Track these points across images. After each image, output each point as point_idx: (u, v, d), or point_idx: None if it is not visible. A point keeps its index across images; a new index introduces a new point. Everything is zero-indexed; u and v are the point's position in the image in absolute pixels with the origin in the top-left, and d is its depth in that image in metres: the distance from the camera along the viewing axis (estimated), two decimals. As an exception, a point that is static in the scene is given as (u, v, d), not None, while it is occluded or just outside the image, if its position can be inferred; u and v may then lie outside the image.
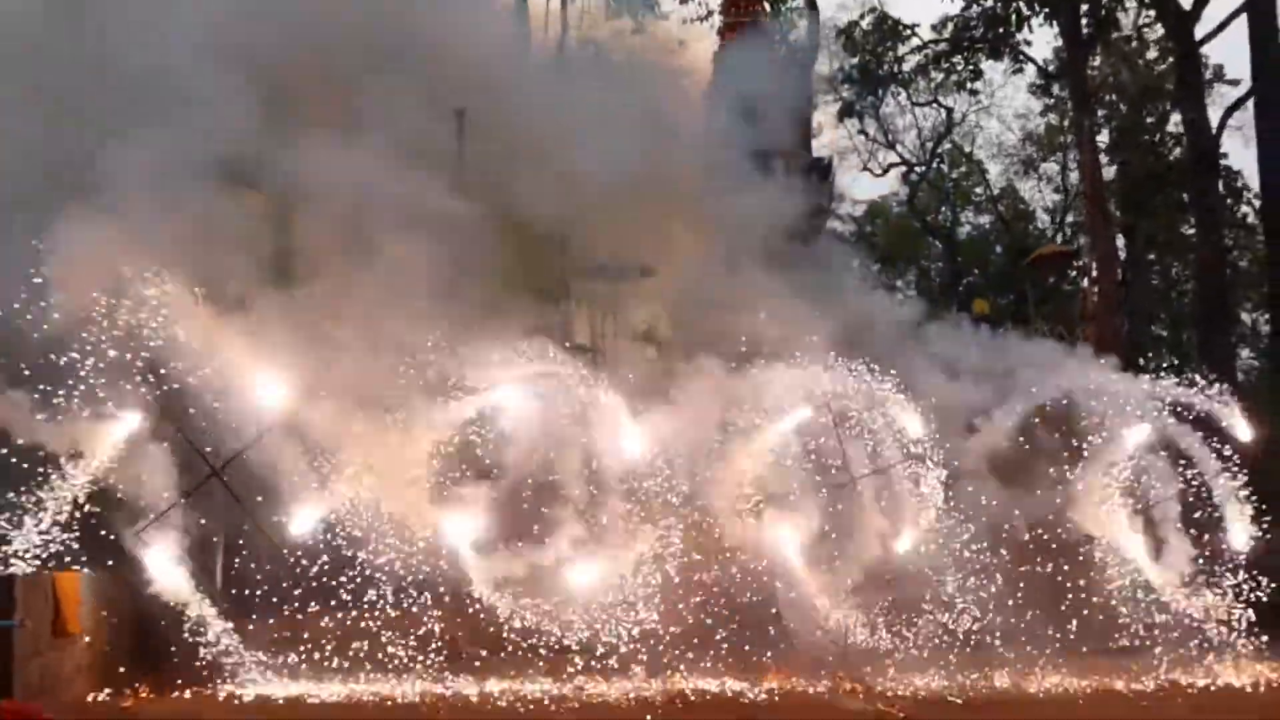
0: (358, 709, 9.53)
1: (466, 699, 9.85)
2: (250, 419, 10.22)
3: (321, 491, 10.42)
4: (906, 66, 31.50)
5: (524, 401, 11.00)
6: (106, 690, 9.69)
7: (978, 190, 37.58)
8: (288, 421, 10.38)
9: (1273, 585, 11.63)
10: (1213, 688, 10.49)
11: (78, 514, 9.65)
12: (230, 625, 10.24)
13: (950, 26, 29.61)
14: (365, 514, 10.42)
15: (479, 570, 10.61)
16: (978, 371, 12.81)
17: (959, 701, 9.81)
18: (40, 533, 9.41)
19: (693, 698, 9.83)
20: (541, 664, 10.49)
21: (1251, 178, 29.71)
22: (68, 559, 9.60)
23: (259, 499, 10.40)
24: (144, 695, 9.90)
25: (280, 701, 9.77)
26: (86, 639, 9.56)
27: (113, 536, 9.97)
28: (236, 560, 10.84)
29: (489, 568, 10.63)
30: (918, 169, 35.92)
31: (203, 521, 10.44)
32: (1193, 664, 11.10)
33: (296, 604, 10.61)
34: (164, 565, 10.14)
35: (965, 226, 38.26)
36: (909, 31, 30.39)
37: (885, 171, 36.05)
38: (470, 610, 10.66)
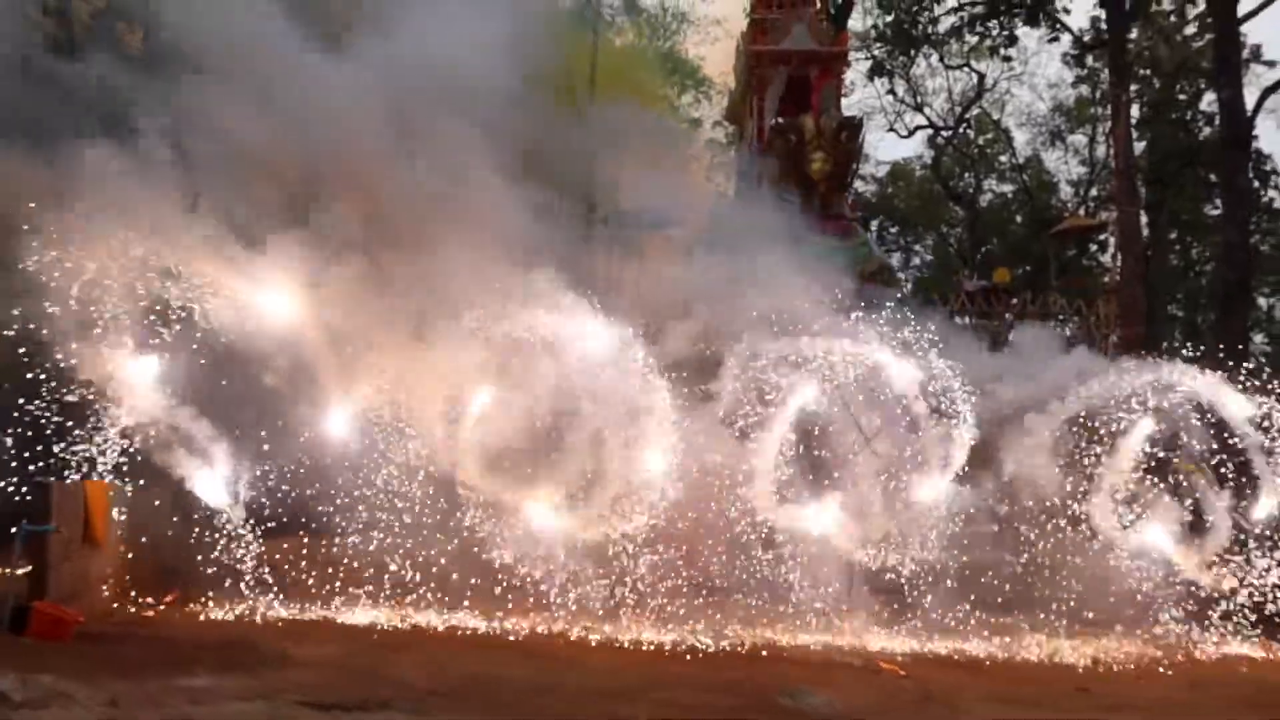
0: (375, 634, 9.75)
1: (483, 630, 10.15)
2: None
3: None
4: (941, 28, 31.19)
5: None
6: (134, 598, 9.94)
7: (1003, 158, 37.29)
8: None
9: None
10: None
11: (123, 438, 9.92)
12: (257, 545, 10.46)
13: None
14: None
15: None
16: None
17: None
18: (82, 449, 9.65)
19: (698, 649, 9.91)
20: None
21: (1280, 161, 29.72)
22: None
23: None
24: (167, 606, 10.14)
25: (306, 621, 10.02)
26: (116, 549, 9.78)
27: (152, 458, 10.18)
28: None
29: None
30: (944, 133, 35.64)
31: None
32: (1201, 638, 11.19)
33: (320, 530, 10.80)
34: (209, 488, 10.37)
35: (987, 194, 38.08)
36: (946, -9, 29.98)
37: (911, 134, 35.76)
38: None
